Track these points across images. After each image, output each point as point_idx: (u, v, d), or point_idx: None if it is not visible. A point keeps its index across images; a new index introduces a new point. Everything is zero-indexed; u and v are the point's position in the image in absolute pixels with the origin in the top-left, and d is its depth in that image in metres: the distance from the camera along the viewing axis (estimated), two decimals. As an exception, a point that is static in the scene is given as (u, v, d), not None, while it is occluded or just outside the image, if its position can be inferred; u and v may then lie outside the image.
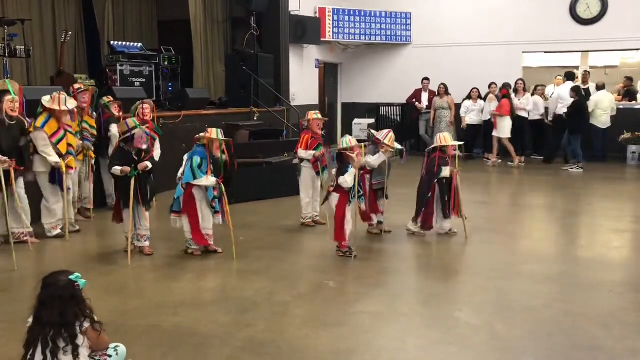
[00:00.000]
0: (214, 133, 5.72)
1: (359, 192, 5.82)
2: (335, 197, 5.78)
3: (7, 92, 6.00)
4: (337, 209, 5.76)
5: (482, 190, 9.80)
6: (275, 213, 7.25)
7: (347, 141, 5.77)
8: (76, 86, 7.35)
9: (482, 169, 11.86)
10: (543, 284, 5.06)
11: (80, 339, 2.99)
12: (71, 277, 3.03)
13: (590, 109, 11.96)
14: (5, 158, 5.59)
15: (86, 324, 3.03)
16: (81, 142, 7.00)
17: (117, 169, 5.59)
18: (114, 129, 7.16)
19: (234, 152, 6.31)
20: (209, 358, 3.67)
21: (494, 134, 12.28)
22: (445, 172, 6.35)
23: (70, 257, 6.02)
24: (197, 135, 5.79)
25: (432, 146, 6.51)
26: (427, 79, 13.58)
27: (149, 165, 5.71)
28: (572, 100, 11.64)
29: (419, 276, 5.47)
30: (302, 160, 6.93)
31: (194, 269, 5.53)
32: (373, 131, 6.70)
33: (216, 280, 5.24)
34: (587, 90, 13.01)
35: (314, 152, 6.83)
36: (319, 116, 7.06)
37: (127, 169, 5.57)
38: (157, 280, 5.17)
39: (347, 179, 5.65)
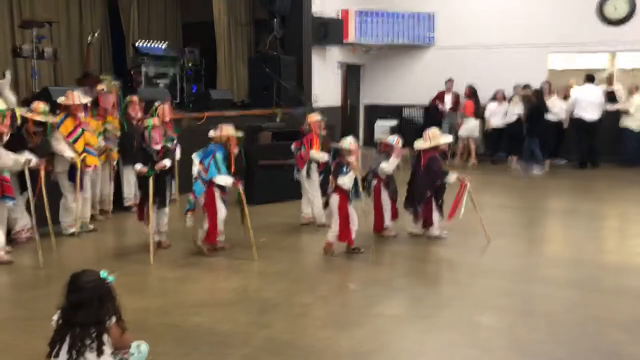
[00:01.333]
0: (230, 130, 5.76)
1: (357, 191, 5.85)
2: (335, 198, 5.80)
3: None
4: (339, 210, 5.78)
5: (505, 194, 9.71)
6: (297, 215, 7.27)
7: (348, 143, 5.78)
8: (99, 87, 7.45)
9: (506, 173, 11.74)
10: (566, 289, 5.00)
11: (105, 337, 3.02)
12: (101, 275, 3.06)
13: (632, 111, 11.85)
14: (28, 159, 5.67)
15: (111, 321, 3.06)
16: (103, 143, 7.10)
17: (137, 167, 5.75)
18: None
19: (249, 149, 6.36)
20: (228, 357, 3.70)
21: (460, 133, 12.51)
22: (452, 177, 6.25)
23: (91, 256, 6.11)
24: (211, 134, 5.83)
25: (424, 147, 6.29)
26: (450, 80, 13.47)
27: (167, 164, 5.78)
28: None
29: (439, 279, 5.44)
30: (311, 161, 6.92)
31: (215, 269, 5.57)
32: (381, 138, 6.69)
33: (237, 280, 5.27)
34: (613, 93, 12.82)
35: (326, 154, 6.79)
36: (318, 117, 7.06)
37: (145, 169, 5.67)
38: (178, 280, 5.22)
39: (346, 181, 5.69)
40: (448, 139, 6.65)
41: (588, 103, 11.84)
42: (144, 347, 3.35)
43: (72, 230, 6.60)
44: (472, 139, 12.54)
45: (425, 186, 6.30)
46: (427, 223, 6.44)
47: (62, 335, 2.97)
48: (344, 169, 5.72)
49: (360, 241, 6.01)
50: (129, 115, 7.52)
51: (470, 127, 12.62)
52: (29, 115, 6.05)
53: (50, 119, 6.21)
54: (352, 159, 5.73)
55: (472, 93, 12.89)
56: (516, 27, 13.84)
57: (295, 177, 7.10)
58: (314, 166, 6.94)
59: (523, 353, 3.76)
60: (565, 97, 12.95)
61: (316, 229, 6.88)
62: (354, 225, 5.82)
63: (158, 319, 4.31)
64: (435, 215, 6.39)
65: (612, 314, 4.41)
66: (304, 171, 6.95)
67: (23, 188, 5.85)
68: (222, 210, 5.79)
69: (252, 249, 5.77)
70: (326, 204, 6.02)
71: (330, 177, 5.90)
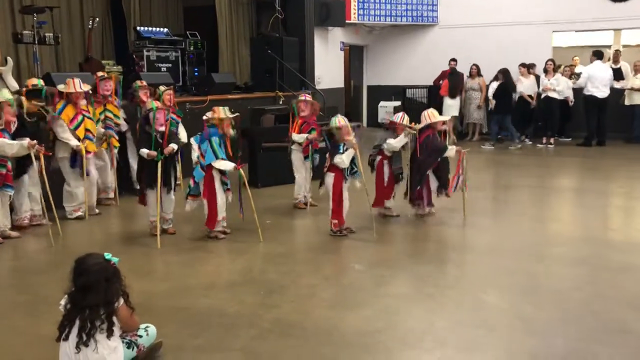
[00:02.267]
0: (222, 112, 5.72)
1: (353, 169, 5.86)
2: (330, 177, 5.81)
3: (6, 102, 5.77)
4: (334, 188, 5.80)
5: (510, 173, 9.67)
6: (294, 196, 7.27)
7: (336, 121, 5.76)
8: (99, 74, 7.42)
9: (509, 152, 11.70)
10: (572, 267, 5.00)
11: (114, 318, 3.03)
12: (106, 256, 3.07)
13: None
14: (34, 142, 5.69)
15: (120, 302, 3.07)
16: (103, 130, 7.09)
17: (144, 152, 5.69)
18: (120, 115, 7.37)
19: (242, 129, 6.36)
20: (237, 339, 3.72)
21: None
22: (451, 151, 6.24)
23: (97, 240, 6.14)
24: (206, 117, 5.81)
25: (422, 124, 6.27)
26: (454, 59, 13.36)
27: (175, 147, 5.77)
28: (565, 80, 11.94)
29: (444, 258, 5.44)
30: (293, 143, 6.96)
31: (221, 252, 5.59)
32: (387, 116, 6.68)
33: (243, 263, 5.29)
34: (619, 70, 12.71)
35: (307, 135, 6.85)
36: (307, 97, 7.07)
37: (154, 153, 5.64)
38: (185, 263, 5.23)
39: (344, 159, 5.68)
40: (444, 117, 6.61)
41: (600, 80, 11.76)
42: (152, 329, 3.38)
43: (77, 214, 6.62)
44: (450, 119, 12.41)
45: (424, 166, 6.26)
46: (415, 201, 6.43)
47: (72, 319, 2.98)
48: (341, 148, 5.71)
49: (362, 221, 6.02)
50: (140, 100, 7.49)
51: (448, 106, 12.77)
52: (32, 103, 6.10)
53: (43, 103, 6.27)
54: (349, 137, 5.70)
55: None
56: (520, 5, 13.72)
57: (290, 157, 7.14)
58: (295, 147, 6.97)
59: (529, 331, 3.77)
60: (572, 74, 12.89)
61: (315, 211, 6.91)
62: (346, 204, 5.84)
63: (165, 301, 4.33)
64: (427, 195, 6.38)
65: (618, 291, 4.41)
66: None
67: (20, 173, 5.91)
68: (221, 196, 5.76)
69: (258, 231, 5.77)
70: (321, 183, 6.02)
71: (327, 156, 5.89)
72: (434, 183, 6.39)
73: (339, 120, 5.75)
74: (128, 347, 3.22)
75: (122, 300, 3.08)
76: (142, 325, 3.33)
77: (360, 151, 5.83)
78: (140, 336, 3.29)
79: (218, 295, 4.46)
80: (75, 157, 6.51)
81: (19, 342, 3.75)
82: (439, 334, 3.78)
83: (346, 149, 5.71)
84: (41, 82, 6.56)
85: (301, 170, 7.06)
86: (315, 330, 3.82)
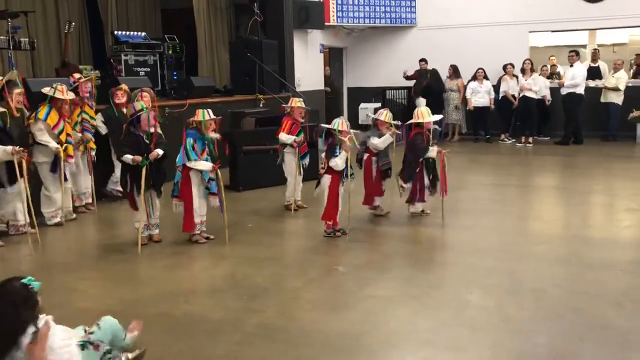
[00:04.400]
0: (201, 115, 5.66)
1: (351, 171, 5.89)
2: (327, 179, 5.82)
3: (14, 84, 6.06)
4: (330, 190, 5.81)
5: (489, 172, 9.76)
6: (282, 199, 7.24)
7: (339, 123, 5.77)
8: (77, 76, 7.34)
9: (489, 151, 11.80)
10: (553, 265, 5.04)
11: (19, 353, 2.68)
12: (24, 281, 2.76)
13: (622, 87, 11.99)
14: (19, 149, 5.61)
15: (27, 336, 2.69)
16: (81, 134, 7.00)
17: (128, 158, 5.53)
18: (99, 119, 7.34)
19: (223, 131, 6.32)
20: (220, 344, 3.69)
21: None
22: (432, 152, 6.31)
23: (76, 246, 6.08)
24: (189, 119, 5.75)
25: (409, 122, 6.41)
26: (423, 59, 13.49)
27: (161, 153, 5.65)
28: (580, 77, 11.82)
29: (427, 259, 5.46)
30: (284, 145, 6.94)
31: (203, 256, 5.55)
32: (371, 114, 6.72)
33: (226, 267, 5.25)
34: (598, 69, 12.90)
35: (295, 137, 6.84)
36: (302, 104, 7.06)
37: (139, 158, 5.52)
38: (167, 269, 5.18)
39: (338, 162, 5.71)
40: (435, 117, 6.65)
41: (582, 79, 11.92)
42: (107, 320, 3.10)
43: (56, 220, 6.53)
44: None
45: (411, 163, 6.36)
46: (410, 199, 6.51)
47: None
48: (337, 151, 5.71)
49: (352, 222, 6.05)
50: (118, 104, 7.42)
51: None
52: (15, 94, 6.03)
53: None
54: (344, 140, 5.71)
55: (454, 73, 13.04)
56: (497, 6, 13.86)
57: (278, 162, 7.10)
58: (288, 150, 6.94)
59: (512, 330, 3.79)
60: (552, 74, 13.08)
61: (299, 214, 6.90)
62: (340, 208, 5.88)
63: (147, 308, 4.28)
64: (420, 192, 6.44)
65: (600, 288, 4.46)
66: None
67: (12, 180, 5.83)
68: (197, 199, 5.69)
69: (225, 232, 5.75)
70: (317, 184, 6.00)
71: (323, 157, 5.91)
72: (426, 180, 6.44)
73: (342, 124, 5.76)
74: (82, 349, 2.91)
75: (31, 333, 2.69)
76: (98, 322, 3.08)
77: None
78: (92, 332, 3.01)
79: (201, 300, 4.43)
80: (56, 162, 6.42)
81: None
82: (422, 335, 3.78)
83: (340, 152, 5.71)
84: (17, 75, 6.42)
85: (293, 172, 7.01)
86: (300, 334, 3.80)
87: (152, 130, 5.62)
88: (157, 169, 5.71)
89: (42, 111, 6.32)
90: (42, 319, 2.75)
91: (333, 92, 14.61)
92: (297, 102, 7.04)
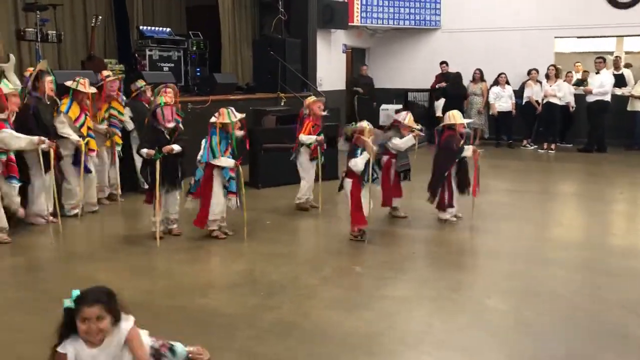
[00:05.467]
0: (226, 116, 5.67)
1: (373, 174, 5.82)
2: (348, 183, 5.74)
3: (46, 72, 6.24)
4: (352, 194, 5.72)
5: (510, 177, 9.66)
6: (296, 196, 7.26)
7: (362, 124, 5.73)
8: (105, 73, 7.42)
9: (511, 156, 11.69)
10: (573, 271, 4.98)
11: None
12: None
13: None
14: (44, 139, 5.71)
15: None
16: (106, 127, 7.10)
17: (143, 151, 5.61)
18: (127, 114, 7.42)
19: (247, 130, 6.35)
20: (235, 339, 3.70)
21: None
22: (467, 151, 6.25)
23: (97, 238, 6.15)
24: (212, 120, 5.77)
25: (442, 124, 6.39)
26: (444, 62, 13.41)
27: (175, 148, 5.64)
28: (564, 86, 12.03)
29: (445, 261, 5.43)
30: (301, 145, 6.90)
31: (221, 252, 5.57)
32: (393, 114, 6.66)
33: (243, 263, 5.27)
34: (622, 76, 12.72)
35: (315, 137, 6.81)
36: (315, 98, 7.05)
37: (152, 152, 5.56)
38: (185, 262, 5.22)
39: (358, 162, 5.61)
40: (466, 120, 6.61)
41: (610, 86, 11.78)
42: (179, 345, 3.01)
43: (75, 211, 6.61)
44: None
45: (443, 165, 6.29)
46: (440, 205, 6.42)
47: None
48: (359, 152, 5.65)
49: (372, 224, 5.98)
50: (146, 99, 7.53)
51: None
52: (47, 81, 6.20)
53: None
54: (368, 141, 5.65)
55: (480, 77, 12.91)
56: (523, 10, 13.71)
57: (292, 158, 7.10)
58: (304, 150, 6.92)
59: (529, 334, 3.75)
60: (582, 81, 12.94)
61: (317, 212, 6.90)
62: (365, 210, 5.75)
63: (164, 300, 4.31)
64: (448, 197, 6.36)
65: (619, 295, 4.39)
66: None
67: (47, 170, 5.96)
68: (217, 197, 5.71)
69: (244, 229, 5.75)
70: (340, 186, 5.97)
71: (347, 159, 5.83)
72: (454, 184, 6.37)
73: (366, 125, 5.72)
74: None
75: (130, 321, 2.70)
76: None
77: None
78: (166, 356, 2.89)
79: (217, 295, 4.45)
80: (77, 155, 6.49)
81: (18, 339, 3.72)
82: (438, 336, 3.76)
83: (361, 153, 5.64)
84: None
85: (309, 172, 7.00)
86: (315, 332, 3.80)
87: (169, 125, 5.66)
88: (172, 163, 5.72)
89: (64, 104, 6.41)
90: (130, 317, 2.75)
91: (366, 92, 14.16)
92: (311, 99, 7.03)
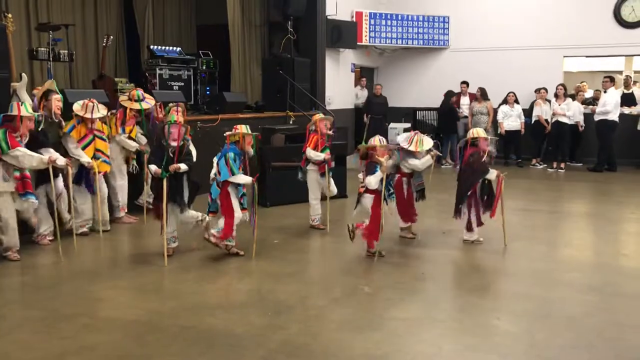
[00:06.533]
0: (245, 129, 5.72)
1: (388, 191, 5.81)
2: (369, 198, 5.73)
3: (54, 91, 6.40)
4: (373, 210, 5.70)
5: (520, 196, 9.60)
6: (309, 216, 7.24)
7: (375, 141, 5.73)
8: (122, 99, 7.35)
9: (520, 175, 11.64)
10: (585, 293, 4.92)
11: None
12: None
13: None
14: (55, 159, 5.75)
15: None
16: (133, 143, 7.18)
17: (151, 168, 5.67)
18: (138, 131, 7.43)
19: (262, 150, 6.31)
20: (243, 359, 3.67)
21: None
22: (492, 175, 6.18)
23: (106, 256, 6.14)
24: (228, 133, 5.79)
25: (465, 139, 6.38)
26: (465, 82, 13.41)
27: (182, 167, 5.66)
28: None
29: (456, 283, 5.38)
30: (308, 162, 6.89)
31: (229, 270, 5.56)
32: (399, 140, 6.53)
33: (251, 282, 5.25)
34: (632, 95, 12.69)
35: (322, 154, 6.79)
36: (322, 116, 7.06)
37: (159, 170, 5.58)
38: (193, 282, 5.20)
39: (372, 180, 5.61)
40: (488, 135, 6.53)
41: (614, 106, 11.73)
42: None
43: (82, 230, 6.63)
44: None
45: (468, 183, 6.23)
46: (468, 226, 6.34)
47: None
48: (377, 169, 5.63)
49: (386, 243, 5.98)
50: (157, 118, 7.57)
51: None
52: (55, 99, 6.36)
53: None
54: (383, 159, 5.64)
55: (482, 95, 12.86)
56: (531, 30, 13.77)
57: (300, 177, 7.09)
58: (311, 167, 6.90)
59: (542, 358, 3.70)
60: (592, 100, 12.90)
61: (325, 232, 6.88)
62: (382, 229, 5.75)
63: (172, 320, 4.29)
64: (477, 218, 6.31)
65: (632, 318, 4.33)
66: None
67: (39, 184, 6.00)
68: (238, 212, 5.72)
69: (253, 247, 5.75)
70: (357, 203, 5.93)
71: (362, 176, 5.83)
72: (480, 203, 6.30)
73: (377, 141, 5.72)
74: None
75: None
76: None
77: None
78: None
79: (225, 315, 4.42)
80: (81, 174, 6.54)
81: (28, 357, 3.70)
82: (448, 359, 3.72)
83: (376, 171, 5.63)
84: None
85: (316, 191, 7.00)
86: (324, 353, 3.77)
87: (173, 143, 5.68)
88: (177, 182, 5.73)
89: (69, 125, 6.49)
90: None
91: (380, 112, 13.83)
92: (318, 116, 7.04)
